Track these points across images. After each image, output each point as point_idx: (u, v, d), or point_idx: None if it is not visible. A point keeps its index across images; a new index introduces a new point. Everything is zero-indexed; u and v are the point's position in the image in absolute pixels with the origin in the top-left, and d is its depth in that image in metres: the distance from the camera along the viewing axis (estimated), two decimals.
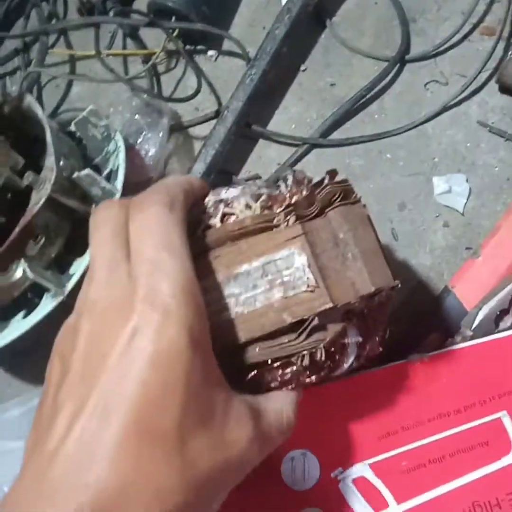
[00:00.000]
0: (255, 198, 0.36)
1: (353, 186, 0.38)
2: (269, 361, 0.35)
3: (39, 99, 0.64)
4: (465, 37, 0.59)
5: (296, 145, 0.59)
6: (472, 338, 0.47)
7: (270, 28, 0.58)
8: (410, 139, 0.57)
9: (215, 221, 0.36)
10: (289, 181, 0.37)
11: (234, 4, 0.64)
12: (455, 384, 0.45)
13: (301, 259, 0.34)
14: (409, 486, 0.42)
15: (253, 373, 0.35)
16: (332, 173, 0.38)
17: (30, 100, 0.49)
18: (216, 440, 0.28)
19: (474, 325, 0.47)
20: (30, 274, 0.43)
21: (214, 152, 0.55)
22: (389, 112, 0.59)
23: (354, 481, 0.43)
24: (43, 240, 0.45)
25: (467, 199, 0.55)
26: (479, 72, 0.56)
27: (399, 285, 0.36)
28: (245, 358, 0.35)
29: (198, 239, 0.34)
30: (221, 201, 0.36)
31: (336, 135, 0.59)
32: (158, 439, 0.26)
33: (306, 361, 0.35)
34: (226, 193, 0.37)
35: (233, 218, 0.36)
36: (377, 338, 0.39)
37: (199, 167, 0.55)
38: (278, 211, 0.35)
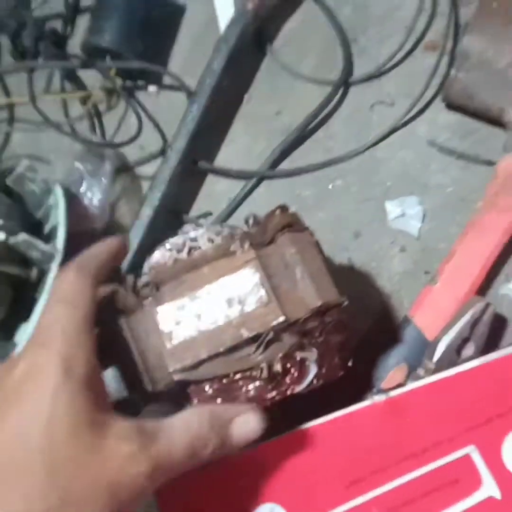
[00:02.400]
0: (217, 233, 0.42)
1: (304, 217, 0.43)
2: (231, 374, 0.39)
3: None
4: (408, 54, 0.58)
5: (245, 178, 0.57)
6: (435, 370, 0.46)
7: (208, 61, 0.56)
8: (360, 164, 0.56)
9: (183, 254, 0.41)
10: (250, 221, 0.43)
11: (171, 36, 0.63)
12: (421, 421, 0.44)
13: (254, 279, 0.39)
14: None
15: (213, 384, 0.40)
16: (283, 207, 0.43)
17: None
18: (86, 460, 0.29)
19: (435, 358, 0.46)
20: None
21: (160, 195, 0.54)
22: (337, 137, 0.57)
23: None
24: None
25: (422, 222, 0.54)
26: (425, 91, 0.55)
27: (346, 302, 0.40)
28: (208, 372, 0.39)
29: (168, 269, 0.41)
30: (188, 238, 0.42)
31: (285, 165, 0.58)
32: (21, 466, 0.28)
33: (264, 373, 0.39)
34: (193, 232, 0.42)
35: (198, 251, 0.41)
36: (336, 360, 0.43)
37: (147, 211, 0.54)
38: (235, 241, 0.41)
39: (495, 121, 0.53)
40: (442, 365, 0.46)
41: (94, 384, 0.32)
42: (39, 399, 0.29)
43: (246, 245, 0.40)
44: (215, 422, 0.35)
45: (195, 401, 0.40)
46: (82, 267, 0.36)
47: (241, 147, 0.59)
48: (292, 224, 0.41)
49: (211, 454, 0.35)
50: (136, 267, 0.45)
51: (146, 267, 0.43)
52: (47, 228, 0.50)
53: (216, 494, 0.42)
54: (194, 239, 0.42)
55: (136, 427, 0.32)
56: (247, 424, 0.37)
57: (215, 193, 0.58)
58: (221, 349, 0.38)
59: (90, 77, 0.62)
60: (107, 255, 0.39)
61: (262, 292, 0.39)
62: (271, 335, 0.38)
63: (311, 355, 0.41)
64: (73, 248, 0.50)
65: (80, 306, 0.34)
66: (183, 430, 0.34)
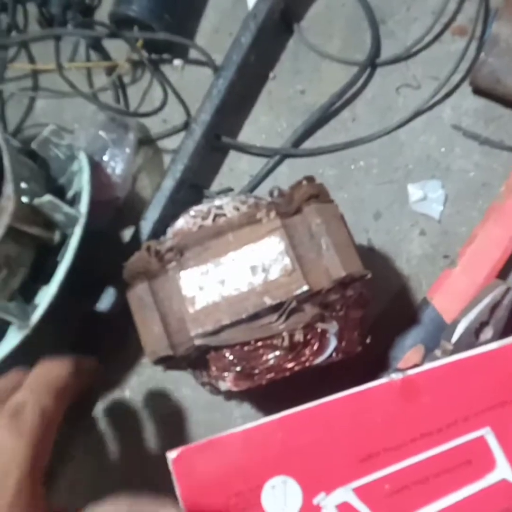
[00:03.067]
0: (243, 202, 0.42)
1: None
2: (252, 342, 0.39)
3: (2, 116, 0.61)
4: (436, 38, 0.58)
5: (268, 156, 0.57)
6: (452, 352, 0.46)
7: (235, 36, 0.56)
8: (383, 146, 0.56)
9: (208, 221, 0.41)
10: (275, 193, 0.43)
11: (199, 10, 0.62)
12: (436, 401, 0.43)
13: (279, 247, 0.39)
14: (394, 509, 0.41)
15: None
16: (310, 177, 0.43)
17: None
18: None
19: (454, 339, 0.46)
20: None
21: (183, 167, 0.54)
22: (361, 119, 0.57)
23: (338, 507, 0.42)
24: (4, 272, 0.43)
25: (443, 206, 0.54)
26: (452, 74, 0.55)
27: (369, 276, 0.40)
28: (230, 339, 0.39)
29: (193, 235, 0.41)
30: (214, 206, 0.42)
31: (308, 144, 0.57)
32: None
33: (286, 342, 0.39)
34: (219, 200, 0.43)
35: (223, 218, 0.41)
36: (355, 335, 0.43)
37: (169, 184, 0.54)
38: (261, 209, 0.41)
39: None
40: (460, 347, 0.46)
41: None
42: None
43: (272, 214, 0.40)
44: None
45: (214, 368, 0.40)
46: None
47: (264, 124, 0.59)
48: (318, 195, 0.41)
49: None
50: (157, 238, 0.45)
51: (169, 232, 0.43)
52: (70, 194, 0.50)
53: (230, 463, 0.42)
54: (219, 207, 0.42)
55: None
56: None
57: (237, 169, 0.58)
58: (243, 316, 0.39)
59: (116, 47, 0.61)
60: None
61: (287, 260, 0.39)
62: (293, 304, 0.39)
63: (332, 327, 0.41)
64: (94, 215, 0.50)
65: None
66: None
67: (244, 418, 0.52)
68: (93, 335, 0.51)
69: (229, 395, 0.43)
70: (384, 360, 0.49)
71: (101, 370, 0.48)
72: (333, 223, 0.40)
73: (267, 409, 0.50)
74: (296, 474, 0.43)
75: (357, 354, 0.45)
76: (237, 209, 0.41)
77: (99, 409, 0.53)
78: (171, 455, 0.42)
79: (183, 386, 0.52)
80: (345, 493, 0.42)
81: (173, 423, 0.52)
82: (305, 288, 0.38)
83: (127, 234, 0.56)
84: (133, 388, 0.54)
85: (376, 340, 0.48)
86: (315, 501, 0.42)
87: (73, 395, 0.40)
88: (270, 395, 0.46)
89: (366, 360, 0.47)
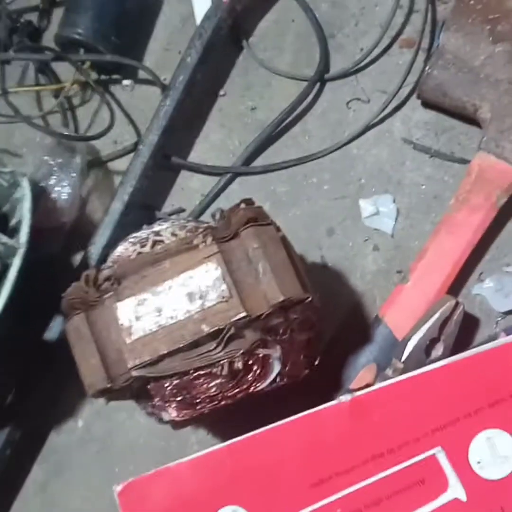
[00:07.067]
0: (181, 228, 0.41)
1: (278, 213, 0.44)
2: (191, 371, 0.38)
3: None
4: (384, 51, 0.58)
5: (219, 175, 0.56)
6: (403, 370, 0.46)
7: (182, 56, 0.55)
8: (335, 161, 0.56)
9: (146, 248, 0.41)
10: (217, 216, 0.42)
11: (148, 30, 0.62)
12: (387, 422, 0.43)
13: (216, 273, 0.38)
14: None
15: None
16: (248, 200, 0.42)
17: None
18: None
19: (404, 357, 0.46)
20: None
21: (131, 189, 0.53)
22: (313, 134, 0.57)
23: None
24: None
25: (395, 221, 0.53)
26: (400, 88, 0.55)
27: (310, 298, 0.39)
28: (168, 368, 0.38)
29: (131, 263, 0.40)
30: (152, 232, 0.42)
31: (260, 161, 0.57)
32: None
33: (225, 370, 0.38)
34: (158, 226, 0.42)
35: (161, 245, 0.41)
36: (301, 358, 0.42)
37: (117, 206, 0.53)
38: (198, 235, 0.40)
39: (470, 119, 0.52)
40: (410, 365, 0.46)
41: None
42: None
43: (209, 239, 0.40)
44: None
45: (156, 399, 0.40)
46: None
47: (216, 142, 0.58)
48: (256, 218, 0.40)
49: None
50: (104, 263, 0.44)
51: (109, 260, 0.42)
52: (13, 222, 0.49)
53: (179, 493, 0.42)
54: (158, 233, 0.41)
55: None
56: None
57: (188, 189, 0.57)
58: (181, 345, 0.38)
59: (65, 70, 0.61)
60: None
61: (224, 287, 0.38)
62: (232, 330, 0.38)
63: (274, 352, 0.40)
64: (40, 242, 0.49)
65: None
66: None
67: (200, 444, 0.51)
68: (42, 365, 0.50)
69: (175, 424, 0.42)
70: (337, 381, 0.49)
71: None
72: (271, 246, 0.39)
73: (224, 434, 0.49)
74: (246, 502, 0.42)
75: (312, 375, 0.45)
76: (175, 235, 0.41)
77: (52, 440, 0.52)
78: (117, 488, 0.41)
79: (137, 414, 0.52)
80: None
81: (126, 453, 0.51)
82: (242, 314, 0.38)
83: (78, 259, 0.55)
84: (86, 418, 0.53)
85: (330, 360, 0.48)
86: None
87: None
88: (226, 420, 0.46)
89: (321, 380, 0.47)
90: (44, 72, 0.61)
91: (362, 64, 0.57)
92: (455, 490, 0.41)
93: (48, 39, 0.61)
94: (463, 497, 0.41)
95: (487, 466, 0.41)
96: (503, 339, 0.43)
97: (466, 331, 0.48)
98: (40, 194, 0.51)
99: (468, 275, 0.51)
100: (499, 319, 0.50)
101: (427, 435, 0.42)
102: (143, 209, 0.55)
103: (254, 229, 0.40)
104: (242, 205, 0.42)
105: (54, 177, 0.53)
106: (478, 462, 0.41)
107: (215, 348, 0.38)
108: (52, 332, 0.50)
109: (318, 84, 0.57)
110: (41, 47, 0.58)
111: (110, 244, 0.52)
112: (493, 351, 0.43)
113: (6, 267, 0.45)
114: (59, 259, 0.54)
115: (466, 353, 0.43)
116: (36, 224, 0.48)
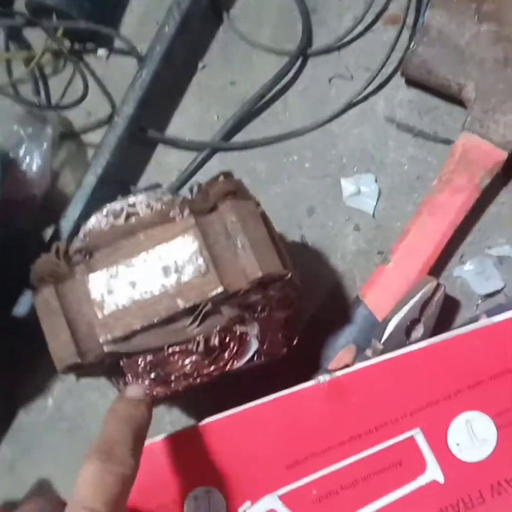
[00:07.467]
0: (157, 200, 0.40)
1: (258, 191, 0.41)
2: (165, 348, 0.37)
3: None
4: (368, 27, 0.56)
5: (197, 150, 0.55)
6: (383, 351, 0.45)
7: (159, 25, 0.53)
8: (316, 139, 0.54)
9: (120, 220, 0.39)
10: (195, 189, 0.41)
11: None
12: (365, 403, 0.42)
13: (193, 247, 0.37)
14: None
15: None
16: (227, 173, 0.41)
17: None
18: None
19: (384, 338, 0.45)
20: None
21: (105, 163, 0.51)
22: (294, 111, 0.55)
23: None
24: None
25: (377, 201, 0.52)
26: (384, 65, 0.53)
27: (290, 275, 0.38)
28: (141, 344, 0.37)
29: (104, 235, 0.39)
30: (127, 204, 0.40)
31: (239, 137, 0.55)
32: None
33: (201, 347, 0.37)
34: (132, 198, 0.41)
35: (136, 217, 0.39)
36: (279, 336, 0.41)
37: (90, 180, 0.51)
38: (175, 207, 0.39)
39: (454, 98, 0.52)
40: (390, 346, 0.45)
41: None
42: None
43: (186, 212, 0.38)
44: None
45: (128, 375, 0.38)
46: None
47: (194, 117, 0.56)
48: (235, 191, 0.39)
49: None
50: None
51: (81, 233, 0.40)
52: None
53: (151, 474, 0.40)
54: (132, 205, 0.40)
55: None
56: None
57: (165, 164, 0.56)
58: (155, 320, 0.36)
59: (38, 38, 0.58)
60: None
61: (200, 261, 0.37)
62: (209, 306, 0.37)
63: (252, 329, 0.39)
64: (10, 214, 0.47)
65: None
66: None
67: (174, 424, 0.50)
68: (11, 341, 0.48)
69: None
70: (316, 361, 0.48)
71: None
72: (250, 221, 0.38)
73: (199, 414, 0.48)
74: (219, 483, 0.41)
75: (291, 355, 0.44)
76: (151, 207, 0.39)
77: (21, 419, 0.51)
78: None
79: (111, 393, 0.50)
80: (271, 501, 0.41)
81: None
82: (220, 289, 0.36)
83: (50, 233, 0.53)
84: (57, 397, 0.51)
85: (310, 340, 0.47)
86: (241, 510, 0.40)
87: None
88: (201, 399, 0.45)
89: (300, 360, 0.46)
90: (15, 39, 0.58)
91: (346, 40, 0.55)
92: (433, 472, 0.41)
93: (20, 5, 0.59)
94: (441, 479, 0.40)
95: (466, 448, 0.40)
96: (483, 321, 0.43)
97: (446, 313, 0.47)
98: (9, 165, 0.48)
99: (449, 257, 0.50)
100: (479, 301, 0.50)
101: (405, 416, 0.42)
102: (117, 184, 0.53)
103: (233, 202, 0.38)
104: (221, 178, 0.40)
105: (24, 147, 0.50)
106: (457, 444, 0.40)
107: (191, 324, 0.37)
108: (21, 307, 0.48)
109: (300, 60, 0.56)
110: (11, 12, 0.56)
111: (82, 217, 0.50)
112: (473, 333, 0.42)
113: None
114: (30, 234, 0.52)
115: (446, 335, 0.42)
116: (5, 196, 0.46)
